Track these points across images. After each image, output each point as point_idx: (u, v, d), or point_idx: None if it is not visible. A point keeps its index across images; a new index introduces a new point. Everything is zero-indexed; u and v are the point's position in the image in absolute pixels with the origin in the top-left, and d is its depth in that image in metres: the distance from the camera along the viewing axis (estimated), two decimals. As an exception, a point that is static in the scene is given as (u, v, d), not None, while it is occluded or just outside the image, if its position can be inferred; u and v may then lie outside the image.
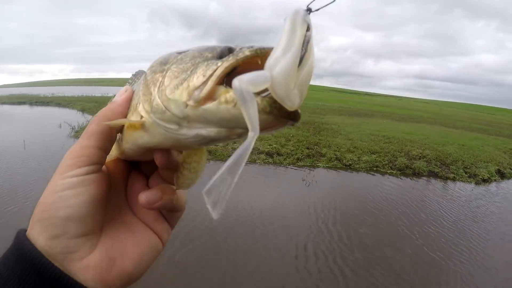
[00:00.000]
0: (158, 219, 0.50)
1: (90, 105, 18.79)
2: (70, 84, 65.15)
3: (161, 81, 0.40)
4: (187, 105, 0.35)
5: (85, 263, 0.40)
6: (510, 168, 9.79)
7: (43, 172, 6.79)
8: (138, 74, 0.69)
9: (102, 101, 21.06)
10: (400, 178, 8.07)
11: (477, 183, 8.29)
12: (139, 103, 0.43)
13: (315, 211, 5.54)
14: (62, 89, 38.93)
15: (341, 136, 11.46)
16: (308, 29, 0.31)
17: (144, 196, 0.45)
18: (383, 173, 8.33)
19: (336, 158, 8.89)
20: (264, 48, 0.34)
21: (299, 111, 0.34)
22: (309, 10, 0.31)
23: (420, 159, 9.29)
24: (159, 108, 0.38)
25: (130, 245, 0.45)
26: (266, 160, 8.28)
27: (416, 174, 8.46)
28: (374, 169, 8.55)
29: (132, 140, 0.45)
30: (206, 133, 0.37)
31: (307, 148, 9.23)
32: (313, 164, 8.50)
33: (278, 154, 8.64)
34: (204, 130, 0.37)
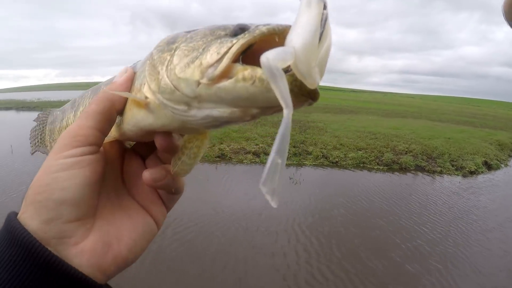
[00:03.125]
0: (156, 201, 0.51)
1: None
2: (55, 89, 64.20)
3: (169, 60, 0.39)
4: (199, 84, 0.35)
5: (80, 248, 0.39)
6: (497, 159, 10.08)
7: (32, 176, 6.75)
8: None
9: None
10: (387, 174, 8.21)
11: (464, 176, 8.49)
12: (144, 84, 0.43)
13: (303, 209, 5.60)
14: (48, 94, 38.52)
15: (327, 133, 11.58)
16: (324, 7, 0.31)
17: (148, 174, 0.46)
18: (370, 169, 8.45)
19: (322, 155, 8.98)
20: (281, 25, 0.34)
21: (318, 89, 0.33)
22: None
23: (406, 153, 9.47)
24: (167, 87, 0.38)
25: (125, 229, 0.45)
26: (253, 160, 8.32)
27: (403, 169, 8.61)
28: (361, 165, 8.68)
29: (134, 122, 0.45)
30: (218, 114, 0.36)
31: (293, 147, 9.29)
32: (299, 162, 8.58)
33: (265, 154, 8.69)
34: (216, 110, 0.36)
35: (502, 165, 9.87)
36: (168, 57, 0.39)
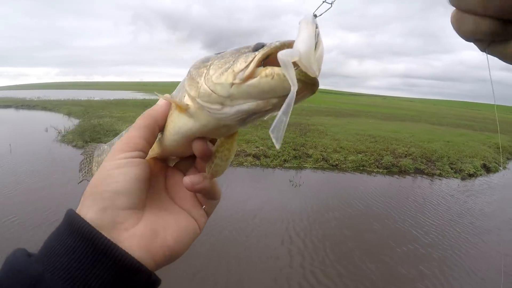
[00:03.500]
0: (196, 205, 0.58)
1: (77, 108, 18.60)
2: (55, 88, 64.06)
3: (206, 72, 0.49)
4: (232, 85, 0.45)
5: (131, 232, 0.46)
6: (496, 162, 10.17)
7: (30, 176, 6.84)
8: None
9: (88, 105, 20.99)
10: (387, 177, 8.30)
11: (463, 178, 8.59)
12: (184, 96, 0.53)
13: (303, 212, 5.67)
14: (47, 92, 38.31)
15: (327, 136, 11.66)
16: (317, 26, 0.44)
17: (187, 178, 0.54)
18: (369, 172, 8.54)
19: (322, 158, 9.06)
20: (289, 40, 0.46)
21: (318, 80, 0.45)
22: (315, 16, 0.44)
23: (406, 157, 9.57)
24: (206, 92, 0.48)
25: (171, 222, 0.52)
26: (253, 162, 8.40)
27: (402, 172, 8.70)
28: (361, 168, 8.76)
29: (177, 129, 0.54)
30: (246, 107, 0.46)
31: (294, 150, 9.38)
32: (300, 165, 8.65)
33: (265, 156, 8.77)
34: (245, 105, 0.46)
35: (501, 168, 9.97)
36: (205, 71, 0.50)
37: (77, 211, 0.46)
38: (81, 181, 0.86)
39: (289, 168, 8.45)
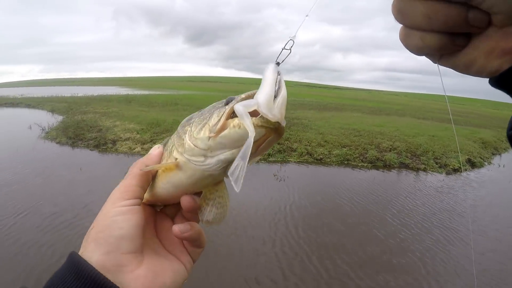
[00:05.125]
0: (183, 252, 0.62)
1: (60, 105, 18.52)
2: (39, 85, 63.43)
3: (189, 130, 0.56)
4: (209, 138, 0.50)
5: (136, 274, 0.49)
6: (480, 157, 10.30)
7: (14, 174, 6.76)
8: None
9: (72, 101, 20.83)
10: (372, 171, 8.31)
11: (447, 173, 8.65)
12: (173, 150, 0.59)
13: (287, 206, 5.63)
14: (31, 90, 37.97)
15: (312, 130, 11.66)
16: (279, 73, 0.49)
17: (177, 227, 0.58)
18: (354, 166, 8.55)
19: (307, 152, 9.05)
20: (252, 92, 0.51)
21: (283, 125, 0.49)
22: (278, 63, 0.50)
23: (390, 151, 9.62)
24: (189, 147, 0.54)
25: (166, 265, 0.57)
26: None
27: (387, 166, 8.74)
28: (345, 162, 8.77)
29: (168, 179, 0.59)
30: (224, 157, 0.51)
31: (278, 144, 9.26)
32: (284, 159, 8.63)
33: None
34: (222, 155, 0.51)
35: (486, 163, 10.11)
36: (188, 128, 0.57)
37: (80, 253, 0.49)
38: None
39: (274, 162, 8.43)
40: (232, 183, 0.45)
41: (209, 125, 0.52)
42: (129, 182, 0.57)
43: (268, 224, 4.99)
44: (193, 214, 0.61)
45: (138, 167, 0.59)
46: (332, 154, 9.02)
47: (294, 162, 8.54)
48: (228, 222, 4.87)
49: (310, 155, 8.96)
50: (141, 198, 0.57)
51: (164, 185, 0.60)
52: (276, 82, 0.49)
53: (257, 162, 6.68)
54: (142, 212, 0.55)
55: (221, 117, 0.50)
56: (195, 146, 0.53)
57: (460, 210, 6.16)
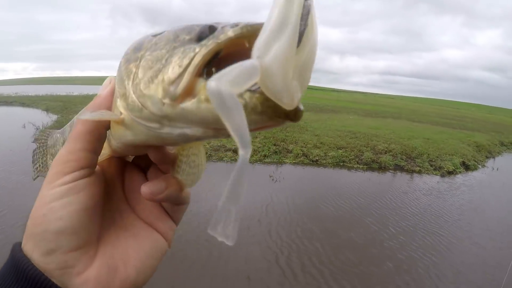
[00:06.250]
0: (161, 216, 0.48)
1: (55, 104, 18.25)
2: (34, 83, 62.51)
3: (135, 73, 0.35)
4: (164, 103, 0.31)
5: (84, 278, 0.38)
6: (475, 160, 10.48)
7: (7, 173, 6.70)
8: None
9: (67, 100, 20.49)
10: (367, 172, 8.40)
11: (442, 176, 8.78)
12: (117, 97, 0.39)
13: (282, 208, 5.68)
14: (25, 88, 37.30)
15: (308, 132, 11.72)
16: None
17: (146, 188, 0.43)
18: (349, 168, 8.64)
19: (303, 154, 9.11)
20: (252, 26, 0.29)
21: (301, 106, 0.29)
22: None
23: (386, 153, 9.72)
24: (135, 105, 0.34)
25: (132, 250, 0.44)
26: (233, 158, 8.32)
27: (382, 168, 8.85)
28: (341, 164, 8.85)
29: (118, 137, 0.42)
30: (191, 132, 0.32)
31: (274, 145, 9.39)
32: (280, 160, 8.67)
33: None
34: (189, 129, 0.32)
35: (479, 166, 10.27)
36: (134, 69, 0.36)
37: (23, 247, 0.39)
38: (36, 178, 0.72)
39: (269, 163, 8.46)
40: (221, 240, 0.27)
41: (163, 79, 0.31)
42: (71, 147, 0.40)
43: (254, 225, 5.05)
44: (169, 165, 0.47)
45: (81, 121, 0.41)
46: (328, 155, 9.10)
47: (290, 163, 8.60)
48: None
49: (306, 156, 9.02)
50: (92, 166, 0.41)
51: (117, 143, 0.43)
52: (301, 14, 0.25)
53: (253, 162, 6.64)
54: (93, 186, 0.40)
55: (184, 70, 0.30)
56: (143, 106, 0.33)
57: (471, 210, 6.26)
